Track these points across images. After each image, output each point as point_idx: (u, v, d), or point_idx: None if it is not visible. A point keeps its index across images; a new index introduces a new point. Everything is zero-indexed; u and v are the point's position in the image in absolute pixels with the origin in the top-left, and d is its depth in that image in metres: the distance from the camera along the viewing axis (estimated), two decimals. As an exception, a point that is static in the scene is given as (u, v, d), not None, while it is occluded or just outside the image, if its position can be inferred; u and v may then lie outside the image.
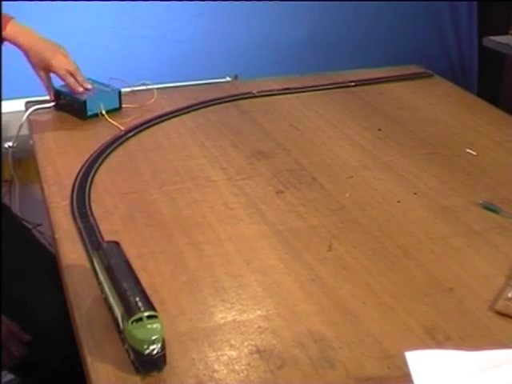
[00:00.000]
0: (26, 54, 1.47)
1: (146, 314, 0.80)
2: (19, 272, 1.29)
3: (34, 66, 1.49)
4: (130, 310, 0.81)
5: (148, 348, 0.80)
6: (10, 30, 1.43)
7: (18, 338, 1.25)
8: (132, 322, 0.80)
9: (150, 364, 0.81)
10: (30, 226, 1.48)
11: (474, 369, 0.74)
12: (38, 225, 1.46)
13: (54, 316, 1.25)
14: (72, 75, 1.50)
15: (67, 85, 1.52)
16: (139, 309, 0.81)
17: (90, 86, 1.53)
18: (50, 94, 1.54)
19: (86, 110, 1.50)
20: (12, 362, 1.26)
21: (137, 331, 0.79)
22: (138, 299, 0.83)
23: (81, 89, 1.51)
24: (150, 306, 0.82)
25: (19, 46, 1.45)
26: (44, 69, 1.49)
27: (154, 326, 0.80)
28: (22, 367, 1.34)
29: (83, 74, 1.53)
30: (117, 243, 0.96)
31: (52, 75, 1.52)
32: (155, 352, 0.80)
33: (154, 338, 0.79)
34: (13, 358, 1.25)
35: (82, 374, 0.87)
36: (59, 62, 1.49)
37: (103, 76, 1.58)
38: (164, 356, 0.82)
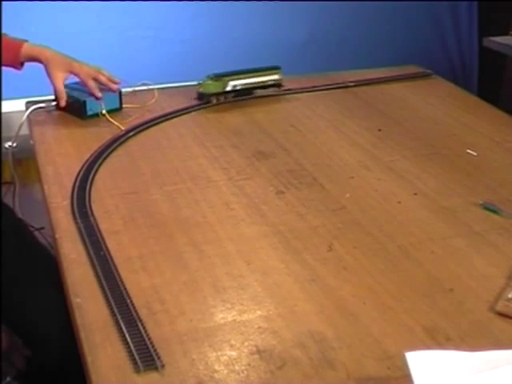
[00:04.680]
0: (47, 62, 1.48)
1: None
2: (19, 275, 1.29)
3: (53, 74, 1.49)
4: None
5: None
6: (27, 48, 1.48)
7: (20, 351, 1.27)
8: None
9: None
10: (32, 229, 1.48)
11: (474, 369, 0.74)
12: (41, 228, 1.46)
13: (53, 319, 1.25)
14: (95, 78, 1.51)
15: (89, 88, 1.51)
16: None
17: (115, 86, 1.53)
18: (62, 101, 1.52)
19: (85, 109, 1.50)
20: (12, 373, 1.29)
21: None
22: None
23: (100, 94, 1.51)
24: None
25: (40, 57, 1.48)
26: (64, 72, 1.49)
27: None
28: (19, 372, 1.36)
29: (107, 72, 1.54)
30: None
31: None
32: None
33: None
34: (14, 368, 1.28)
35: (80, 376, 0.87)
36: (81, 65, 1.51)
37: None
38: None
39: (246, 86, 1.63)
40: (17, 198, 1.55)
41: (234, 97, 1.63)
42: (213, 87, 1.58)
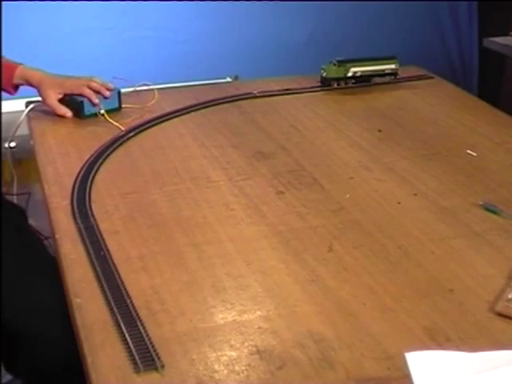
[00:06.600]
0: (39, 84, 1.50)
1: None
2: (18, 276, 1.29)
3: (44, 94, 1.51)
4: None
5: None
6: (20, 72, 1.50)
7: None
8: None
9: None
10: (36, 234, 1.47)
11: (474, 370, 0.74)
12: (47, 237, 1.45)
13: (53, 319, 1.25)
14: (88, 86, 1.52)
15: (86, 96, 1.51)
16: None
17: (109, 90, 1.53)
18: (67, 114, 1.53)
19: (83, 109, 1.51)
20: None
21: None
22: None
23: (96, 100, 1.51)
24: None
25: (31, 80, 1.50)
26: (56, 91, 1.50)
27: None
28: (22, 370, 1.36)
29: (101, 79, 1.55)
30: None
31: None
32: None
33: None
34: None
35: (81, 377, 0.87)
36: (72, 80, 1.52)
37: (103, 77, 1.58)
38: None
39: (366, 73, 1.73)
40: (15, 198, 1.55)
41: (354, 83, 1.74)
42: (335, 72, 1.72)
